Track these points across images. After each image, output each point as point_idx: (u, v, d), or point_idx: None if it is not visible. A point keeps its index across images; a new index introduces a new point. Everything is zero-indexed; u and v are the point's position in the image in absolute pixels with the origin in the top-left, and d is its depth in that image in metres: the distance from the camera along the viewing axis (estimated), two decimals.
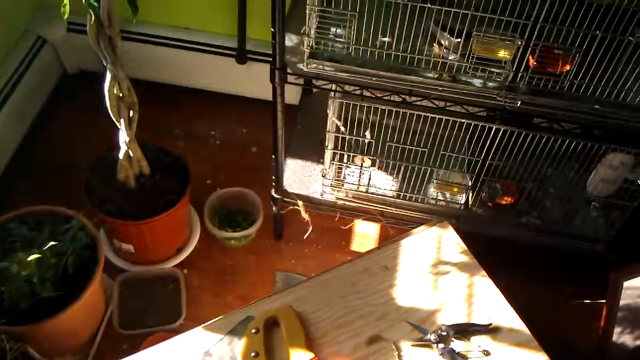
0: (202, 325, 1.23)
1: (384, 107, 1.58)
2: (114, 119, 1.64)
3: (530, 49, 1.39)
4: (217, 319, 1.24)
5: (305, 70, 1.49)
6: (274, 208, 1.93)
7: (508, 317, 1.26)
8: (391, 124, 1.68)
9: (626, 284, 1.75)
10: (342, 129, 1.68)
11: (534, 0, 1.29)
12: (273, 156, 1.75)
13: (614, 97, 1.42)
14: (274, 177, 1.82)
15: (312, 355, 1.15)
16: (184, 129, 2.34)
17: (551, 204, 1.82)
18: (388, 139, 1.70)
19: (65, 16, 1.34)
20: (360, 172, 1.78)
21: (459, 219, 1.79)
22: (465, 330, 1.23)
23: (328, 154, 1.77)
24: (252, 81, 2.33)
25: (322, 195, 1.85)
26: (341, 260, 1.36)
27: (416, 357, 1.19)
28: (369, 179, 1.80)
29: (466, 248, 1.39)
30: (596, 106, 1.44)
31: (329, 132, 1.70)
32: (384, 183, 1.83)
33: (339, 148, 1.75)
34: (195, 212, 2.04)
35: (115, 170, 1.76)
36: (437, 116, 1.58)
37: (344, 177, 1.83)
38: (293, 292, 1.29)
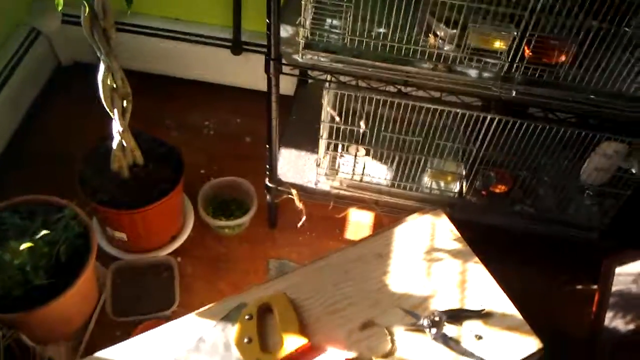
0: (196, 311, 1.23)
1: (379, 98, 1.58)
2: (108, 110, 1.64)
3: (525, 39, 1.39)
4: (210, 305, 1.24)
5: (301, 61, 1.49)
6: (267, 197, 1.93)
7: (500, 302, 1.27)
8: (386, 114, 1.68)
9: (618, 270, 1.76)
10: (337, 118, 1.68)
11: None
12: (267, 146, 1.75)
13: (609, 87, 1.43)
14: (268, 167, 1.82)
15: (305, 340, 1.15)
16: (178, 119, 2.34)
17: (545, 193, 1.83)
18: (383, 128, 1.70)
19: (60, 8, 1.33)
20: (355, 161, 1.78)
21: (453, 207, 1.79)
22: (458, 316, 1.24)
23: (322, 144, 1.77)
24: (247, 72, 2.32)
25: (316, 184, 1.85)
26: (335, 248, 1.36)
27: (409, 342, 1.20)
28: (363, 168, 1.80)
29: (459, 235, 1.40)
30: (591, 96, 1.44)
31: (323, 121, 1.70)
32: (378, 172, 1.83)
33: (333, 138, 1.74)
34: (189, 201, 2.04)
35: (108, 160, 1.76)
36: (432, 106, 1.58)
37: (338, 167, 1.83)
38: (286, 279, 1.30)
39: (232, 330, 1.18)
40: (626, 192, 1.69)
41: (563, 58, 1.42)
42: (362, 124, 1.68)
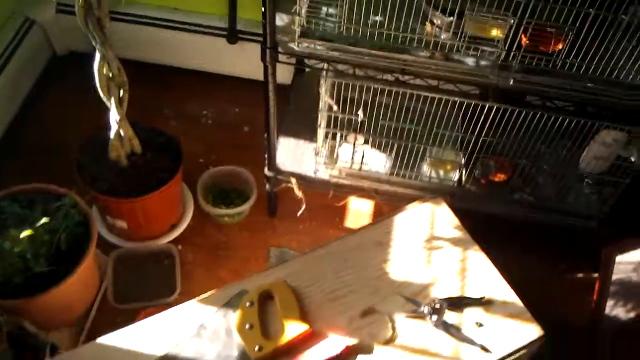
0: (197, 298, 1.23)
1: (376, 86, 1.58)
2: (104, 99, 1.64)
3: (522, 27, 1.39)
4: (211, 292, 1.24)
5: (297, 49, 1.49)
6: (267, 186, 1.93)
7: (501, 290, 1.28)
8: (384, 103, 1.68)
9: (618, 258, 1.77)
10: (335, 107, 1.68)
11: None
12: (265, 135, 1.75)
13: (607, 75, 1.43)
14: (266, 156, 1.82)
15: (306, 327, 1.16)
16: (176, 109, 2.33)
17: (544, 181, 1.83)
18: (381, 117, 1.70)
19: None
20: (354, 150, 1.78)
21: (453, 196, 1.79)
22: (458, 303, 1.24)
23: (321, 133, 1.77)
24: (244, 61, 2.31)
25: (315, 173, 1.85)
26: (335, 237, 1.36)
27: (410, 329, 1.20)
28: (362, 156, 1.80)
29: (459, 223, 1.40)
30: (589, 84, 1.45)
31: (321, 111, 1.70)
32: (377, 161, 1.83)
33: (331, 127, 1.74)
34: (188, 190, 2.04)
35: (106, 150, 1.75)
36: (430, 94, 1.58)
37: (337, 155, 1.83)
38: (287, 267, 1.30)
39: (234, 317, 1.18)
40: (625, 181, 1.69)
41: (560, 46, 1.42)
42: (360, 112, 1.68)
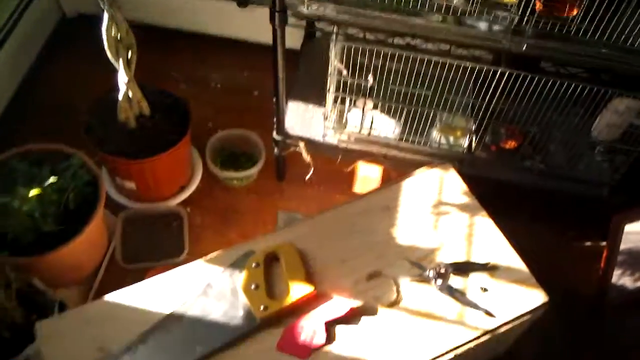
0: (204, 258, 1.24)
1: (386, 50, 1.55)
2: (113, 60, 1.63)
3: None
4: (218, 252, 1.25)
5: (306, 12, 1.47)
6: (275, 150, 1.92)
7: (507, 256, 1.28)
8: (394, 68, 1.66)
9: (627, 228, 1.76)
10: (344, 72, 1.66)
11: None
12: (274, 98, 1.74)
13: (622, 42, 1.40)
14: (275, 119, 1.81)
15: (312, 288, 1.17)
16: (185, 72, 2.32)
17: (555, 149, 1.81)
18: (391, 82, 1.68)
19: None
20: (363, 115, 1.77)
21: (462, 162, 1.78)
22: (464, 268, 1.25)
23: (330, 97, 1.75)
24: (254, 25, 2.28)
25: (323, 137, 1.84)
26: (343, 201, 1.36)
27: (415, 292, 1.21)
28: (372, 122, 1.78)
29: (467, 189, 1.40)
30: (603, 50, 1.42)
31: (330, 75, 1.68)
32: (386, 126, 1.82)
33: (340, 91, 1.73)
34: (197, 154, 2.04)
35: (115, 112, 1.75)
36: (441, 59, 1.56)
37: (346, 120, 1.81)
38: (294, 230, 1.31)
39: (240, 277, 1.19)
40: (637, 149, 1.67)
41: (575, 12, 1.39)
42: (370, 77, 1.66)
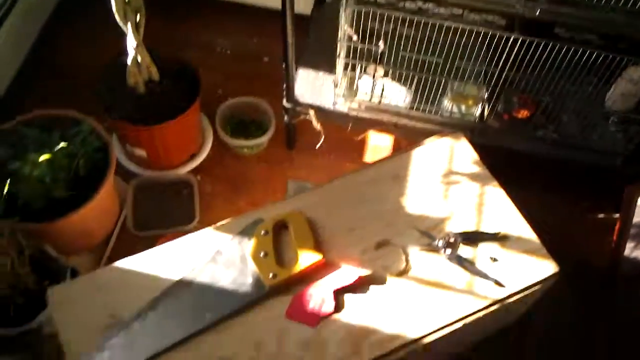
0: (214, 225, 1.24)
1: (397, 15, 1.53)
2: (121, 24, 1.61)
3: None
4: (228, 220, 1.25)
5: None
6: (285, 117, 1.91)
7: (517, 226, 1.27)
8: (405, 34, 1.63)
9: None
10: (354, 37, 1.64)
11: None
12: (284, 65, 1.72)
13: (639, 7, 1.37)
14: (285, 87, 1.79)
15: (320, 256, 1.17)
16: (194, 39, 2.30)
17: (568, 118, 1.79)
18: (402, 48, 1.66)
19: None
20: (373, 82, 1.75)
21: (474, 131, 1.77)
22: (473, 238, 1.24)
23: (340, 64, 1.73)
24: None
25: (334, 105, 1.83)
26: (352, 170, 1.35)
27: (424, 262, 1.21)
28: (382, 89, 1.76)
29: (478, 159, 1.38)
30: (619, 17, 1.39)
31: (340, 40, 1.66)
32: (397, 94, 1.80)
33: (351, 57, 1.71)
34: (208, 121, 2.03)
35: (124, 77, 1.74)
36: (454, 24, 1.53)
37: (357, 88, 1.80)
38: (303, 199, 1.30)
39: (249, 245, 1.19)
40: None
41: None
42: (380, 43, 1.63)
